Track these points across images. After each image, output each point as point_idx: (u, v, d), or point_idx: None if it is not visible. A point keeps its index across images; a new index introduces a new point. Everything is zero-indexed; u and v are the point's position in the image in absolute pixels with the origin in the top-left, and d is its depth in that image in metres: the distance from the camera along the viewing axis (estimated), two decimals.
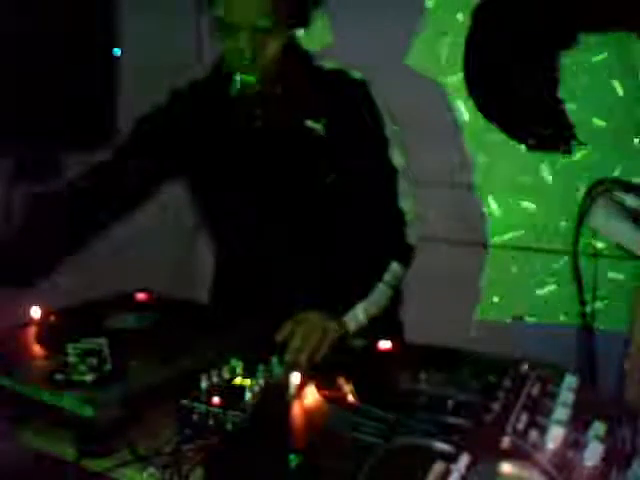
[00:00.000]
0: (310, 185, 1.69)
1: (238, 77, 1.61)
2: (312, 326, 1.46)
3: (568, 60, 2.62)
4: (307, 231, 1.72)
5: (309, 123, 1.65)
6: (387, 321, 1.72)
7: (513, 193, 2.81)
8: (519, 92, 2.73)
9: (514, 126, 2.76)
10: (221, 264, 1.90)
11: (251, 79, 1.60)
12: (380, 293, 1.62)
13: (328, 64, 1.71)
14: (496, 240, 2.86)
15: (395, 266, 1.65)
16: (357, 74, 1.70)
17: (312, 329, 1.46)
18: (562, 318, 2.62)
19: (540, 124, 2.72)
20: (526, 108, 2.74)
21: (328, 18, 1.70)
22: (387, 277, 1.63)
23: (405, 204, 1.68)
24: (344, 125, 1.66)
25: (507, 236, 2.85)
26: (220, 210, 1.80)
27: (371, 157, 1.68)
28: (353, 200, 1.67)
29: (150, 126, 1.80)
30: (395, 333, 1.79)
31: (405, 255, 1.69)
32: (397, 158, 1.68)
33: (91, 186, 1.71)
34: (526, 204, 2.81)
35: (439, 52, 2.82)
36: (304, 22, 1.65)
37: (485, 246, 2.88)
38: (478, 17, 2.73)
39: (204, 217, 1.85)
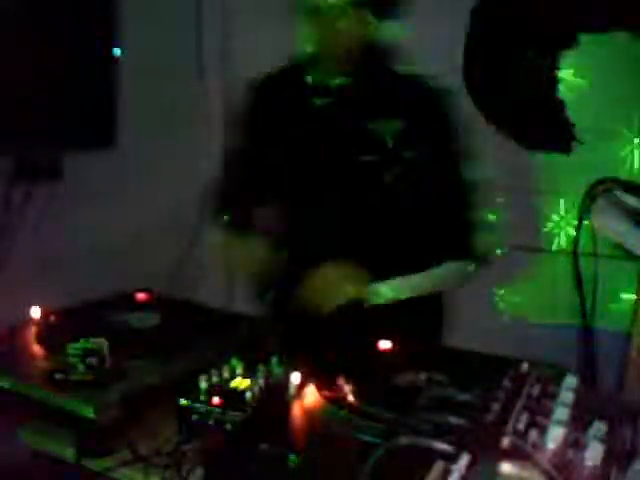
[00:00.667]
0: (371, 184, 1.66)
1: (317, 64, 1.61)
2: (335, 274, 1.54)
3: None
4: (364, 227, 1.70)
5: (378, 123, 1.62)
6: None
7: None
8: (519, 92, 2.73)
9: (514, 126, 2.76)
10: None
11: (329, 67, 1.61)
12: (416, 281, 1.64)
13: (406, 68, 1.69)
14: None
15: (447, 266, 1.65)
16: (435, 82, 1.67)
17: (335, 278, 1.53)
18: (562, 318, 2.61)
19: (540, 124, 2.72)
20: (526, 108, 2.74)
21: (406, 18, 1.64)
22: (431, 272, 1.64)
23: (475, 213, 1.68)
24: (417, 131, 1.62)
25: None
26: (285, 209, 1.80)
27: (443, 166, 1.66)
28: (420, 204, 1.65)
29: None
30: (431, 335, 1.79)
31: (466, 260, 1.69)
32: (469, 168, 1.67)
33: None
34: None
35: None
36: (384, 13, 1.62)
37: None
38: (478, 16, 2.72)
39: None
